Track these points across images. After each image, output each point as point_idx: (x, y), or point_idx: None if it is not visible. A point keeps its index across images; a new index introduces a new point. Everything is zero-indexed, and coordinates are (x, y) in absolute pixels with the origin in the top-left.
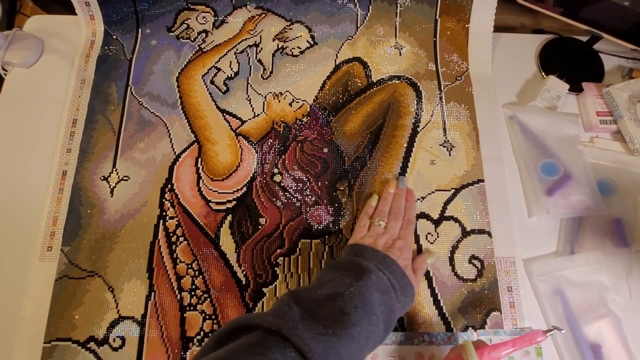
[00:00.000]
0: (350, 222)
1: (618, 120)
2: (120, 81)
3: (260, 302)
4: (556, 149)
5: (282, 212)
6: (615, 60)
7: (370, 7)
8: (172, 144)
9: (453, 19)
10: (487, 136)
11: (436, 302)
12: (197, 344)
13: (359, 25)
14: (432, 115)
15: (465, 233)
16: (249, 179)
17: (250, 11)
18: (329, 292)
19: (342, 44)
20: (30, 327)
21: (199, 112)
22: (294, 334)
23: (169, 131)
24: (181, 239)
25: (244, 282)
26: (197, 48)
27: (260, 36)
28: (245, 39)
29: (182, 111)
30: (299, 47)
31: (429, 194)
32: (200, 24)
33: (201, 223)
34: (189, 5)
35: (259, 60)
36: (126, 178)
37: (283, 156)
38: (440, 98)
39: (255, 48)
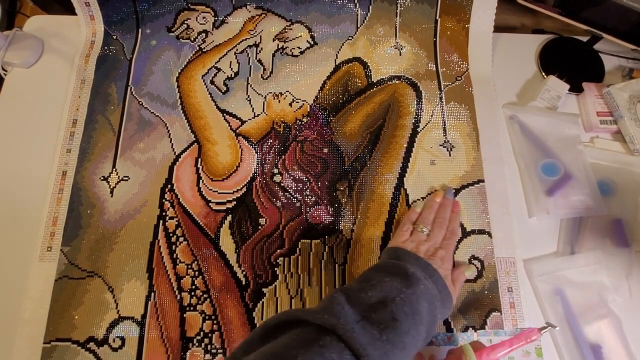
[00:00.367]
0: (350, 222)
1: (618, 121)
2: (120, 81)
3: (260, 302)
4: (556, 149)
5: (282, 212)
6: (616, 60)
7: (370, 7)
8: (172, 144)
9: (453, 19)
10: (487, 136)
11: None
12: (196, 344)
13: (359, 26)
14: (432, 116)
15: (466, 233)
16: (249, 179)
17: (250, 11)
18: (380, 295)
19: (342, 44)
20: (30, 327)
21: (199, 112)
22: (351, 336)
23: (169, 131)
24: (181, 239)
25: (243, 283)
26: (197, 48)
27: (260, 36)
28: (245, 39)
29: (182, 111)
30: (299, 47)
31: (429, 194)
32: (200, 24)
33: (201, 223)
34: (189, 5)
35: (259, 61)
36: (126, 178)
37: (283, 156)
38: (441, 98)
39: (255, 48)
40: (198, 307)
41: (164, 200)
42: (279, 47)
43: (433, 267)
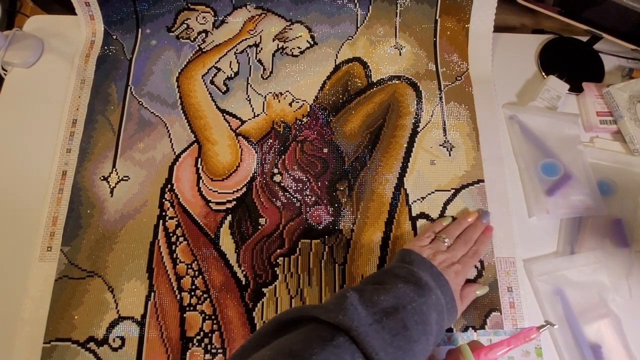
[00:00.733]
0: (350, 222)
1: (618, 120)
2: (120, 81)
3: (260, 302)
4: (556, 149)
5: (282, 212)
6: (615, 60)
7: (370, 7)
8: (172, 144)
9: (453, 19)
10: (487, 136)
11: None
12: (196, 344)
13: (359, 26)
14: (432, 116)
15: None
16: (249, 179)
17: (250, 11)
18: (393, 301)
19: (342, 44)
20: (30, 327)
21: (199, 112)
22: (364, 339)
23: (168, 131)
24: (181, 239)
25: (243, 282)
26: (197, 48)
27: (260, 36)
28: (245, 39)
29: (182, 111)
30: (299, 47)
31: (429, 194)
32: (200, 24)
33: (201, 223)
34: (189, 5)
35: (259, 60)
36: (126, 178)
37: (283, 156)
38: (440, 98)
39: (255, 48)
40: (198, 307)
41: (164, 200)
42: (279, 47)
43: (445, 278)
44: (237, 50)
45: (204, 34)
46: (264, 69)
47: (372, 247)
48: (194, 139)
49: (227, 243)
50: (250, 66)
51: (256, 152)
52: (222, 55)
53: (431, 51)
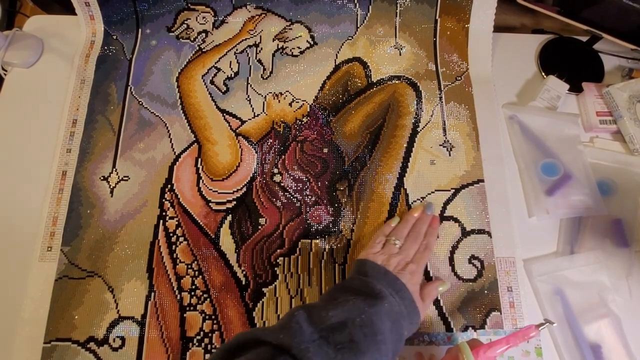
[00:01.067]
0: (350, 222)
1: (618, 120)
2: (120, 81)
3: (260, 302)
4: (556, 149)
5: (282, 212)
6: (615, 60)
7: (370, 7)
8: (172, 144)
9: (453, 19)
10: (487, 136)
11: (436, 302)
12: (197, 344)
13: (358, 26)
14: (432, 116)
15: (465, 233)
16: (249, 179)
17: (250, 11)
18: (342, 316)
19: (342, 44)
20: (30, 327)
21: (199, 112)
22: (304, 355)
23: (168, 131)
24: (181, 239)
25: (243, 282)
26: (197, 48)
27: (260, 36)
28: (245, 39)
29: (182, 111)
30: (299, 47)
31: (429, 194)
32: (200, 24)
33: (201, 223)
34: (189, 5)
35: (259, 60)
36: (126, 178)
37: (283, 156)
38: (440, 98)
39: (255, 48)
40: (198, 307)
41: (164, 200)
42: (279, 47)
43: (401, 282)
44: (237, 50)
45: (204, 34)
46: (264, 69)
47: None
48: (194, 139)
49: (227, 243)
50: (250, 66)
51: (256, 152)
52: (222, 55)
53: (431, 51)
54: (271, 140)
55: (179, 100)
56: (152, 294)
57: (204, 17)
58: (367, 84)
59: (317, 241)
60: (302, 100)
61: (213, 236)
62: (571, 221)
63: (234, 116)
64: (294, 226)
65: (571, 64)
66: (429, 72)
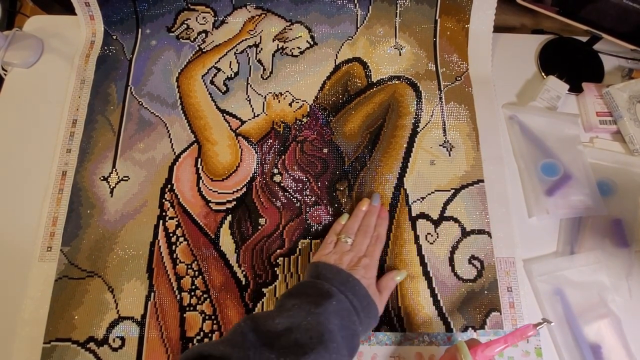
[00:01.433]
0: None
1: (618, 121)
2: (120, 81)
3: (260, 302)
4: (556, 149)
5: (282, 212)
6: (615, 61)
7: (370, 7)
8: (172, 144)
9: (453, 19)
10: (487, 136)
11: (436, 302)
12: (196, 344)
13: (358, 26)
14: (432, 116)
15: (465, 233)
16: (249, 179)
17: (250, 11)
18: (287, 322)
19: (342, 44)
20: (30, 327)
21: (198, 113)
22: None
23: (168, 131)
24: (181, 239)
25: (243, 283)
26: (197, 48)
27: (260, 36)
28: (245, 39)
29: (182, 111)
30: (298, 48)
31: (429, 194)
32: (200, 24)
33: (201, 223)
34: (189, 5)
35: (259, 61)
36: (126, 178)
37: (283, 156)
38: (440, 98)
39: (255, 48)
40: (198, 307)
41: (164, 200)
42: (279, 47)
43: (355, 278)
44: (237, 50)
45: (204, 34)
46: (264, 69)
47: None
48: (194, 139)
49: (227, 243)
50: (250, 66)
51: (256, 152)
52: (222, 55)
53: (431, 51)
54: (271, 141)
55: (179, 100)
56: (152, 294)
57: (204, 17)
58: (367, 84)
59: (317, 241)
60: (302, 101)
61: (213, 236)
62: (571, 221)
63: (234, 116)
64: (293, 226)
65: (571, 64)
66: (429, 72)
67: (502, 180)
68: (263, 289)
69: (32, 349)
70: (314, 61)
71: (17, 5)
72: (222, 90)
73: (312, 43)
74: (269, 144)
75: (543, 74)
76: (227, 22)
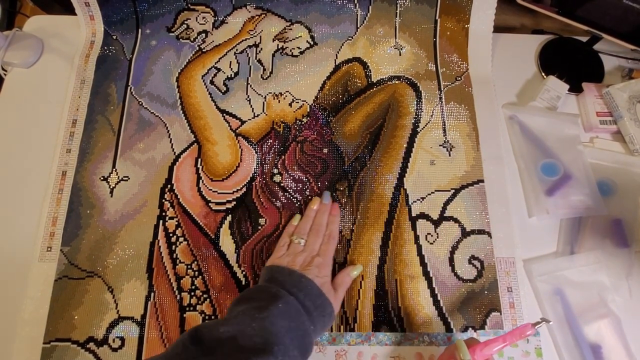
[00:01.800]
0: (350, 222)
1: (618, 121)
2: (120, 81)
3: None
4: (556, 149)
5: (282, 212)
6: (615, 61)
7: (370, 7)
8: (172, 144)
9: (453, 19)
10: (487, 136)
11: (436, 302)
12: None
13: (358, 26)
14: (432, 116)
15: (465, 233)
16: (249, 179)
17: (250, 11)
18: (232, 330)
19: (342, 44)
20: (30, 327)
21: (198, 113)
22: None
23: (168, 131)
24: (181, 239)
25: (243, 283)
26: (197, 48)
27: (260, 36)
28: (245, 39)
29: (181, 111)
30: (298, 48)
31: (429, 194)
32: (200, 24)
33: (201, 223)
34: (189, 5)
35: (259, 61)
36: (126, 178)
37: (283, 156)
38: (440, 98)
39: (255, 48)
40: (198, 307)
41: (163, 201)
42: (279, 47)
43: (308, 278)
44: (237, 50)
45: (203, 34)
46: (264, 69)
47: (372, 247)
48: (194, 139)
49: (227, 243)
50: (250, 66)
51: (256, 153)
52: (222, 55)
53: (431, 51)
54: (271, 141)
55: (179, 100)
56: (152, 294)
57: (204, 17)
58: (367, 84)
59: None
60: (302, 101)
61: (213, 236)
62: (571, 221)
63: (234, 116)
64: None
65: (571, 64)
66: (429, 73)
67: (502, 180)
68: None
69: (32, 349)
70: (314, 61)
71: (17, 5)
72: (222, 90)
73: (312, 43)
74: (269, 144)
75: (543, 74)
76: (227, 22)
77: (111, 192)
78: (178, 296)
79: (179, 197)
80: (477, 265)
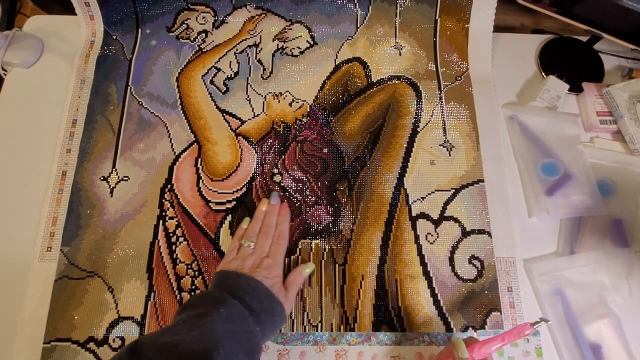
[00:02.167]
0: (350, 222)
1: (618, 120)
2: (120, 81)
3: None
4: (556, 149)
5: None
6: (615, 60)
7: (370, 7)
8: (172, 144)
9: (453, 19)
10: (487, 136)
11: (436, 302)
12: None
13: (358, 26)
14: (432, 116)
15: (465, 233)
16: (249, 179)
17: (250, 11)
18: (171, 339)
19: (342, 44)
20: (30, 327)
21: (198, 112)
22: None
23: (168, 131)
24: (181, 239)
25: None
26: (197, 48)
27: (260, 36)
28: (245, 39)
29: (181, 111)
30: (298, 47)
31: (429, 194)
32: (200, 24)
33: (201, 223)
34: (189, 5)
35: (259, 61)
36: (126, 178)
37: (283, 156)
38: (440, 98)
39: (255, 48)
40: None
41: (163, 200)
42: (279, 47)
43: (256, 280)
44: (237, 50)
45: (203, 34)
46: (264, 69)
47: (372, 247)
48: (194, 139)
49: (227, 243)
50: (250, 66)
51: (256, 152)
52: (222, 55)
53: (431, 51)
54: (271, 140)
55: (179, 100)
56: (152, 294)
57: (203, 17)
58: (367, 84)
59: (317, 241)
60: (302, 100)
61: (213, 236)
62: (571, 221)
63: (234, 116)
64: (294, 226)
65: (571, 64)
66: (429, 72)
67: (502, 180)
68: None
69: (32, 349)
70: (314, 61)
71: (17, 5)
72: (222, 90)
73: (312, 43)
74: (269, 143)
75: (543, 73)
76: (227, 22)
77: (111, 192)
78: (178, 296)
79: (179, 197)
80: (477, 265)
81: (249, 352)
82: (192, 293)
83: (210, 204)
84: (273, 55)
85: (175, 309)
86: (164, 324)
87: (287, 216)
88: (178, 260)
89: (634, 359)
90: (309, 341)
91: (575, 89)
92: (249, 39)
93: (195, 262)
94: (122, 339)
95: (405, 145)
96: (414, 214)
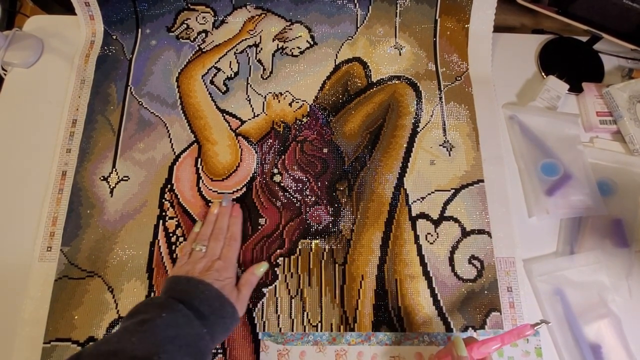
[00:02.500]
0: (350, 222)
1: (618, 121)
2: (120, 81)
3: (260, 302)
4: (556, 149)
5: (282, 212)
6: (615, 61)
7: (370, 7)
8: (172, 144)
9: (453, 19)
10: (487, 136)
11: (436, 302)
12: None
13: (358, 26)
14: (432, 116)
15: (465, 233)
16: (249, 179)
17: (250, 11)
18: (112, 347)
19: (342, 44)
20: (30, 327)
21: (198, 112)
22: None
23: (168, 131)
24: (181, 239)
25: None
26: (197, 48)
27: (260, 36)
28: (245, 39)
29: (181, 111)
30: (298, 47)
31: (429, 194)
32: (200, 24)
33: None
34: (189, 5)
35: (259, 61)
36: (126, 178)
37: (283, 156)
38: (440, 98)
39: (255, 48)
40: None
41: (163, 200)
42: (279, 47)
43: (206, 283)
44: (237, 50)
45: (203, 34)
46: (264, 69)
47: (372, 247)
48: (194, 139)
49: None
50: (250, 66)
51: (256, 152)
52: (222, 55)
53: (431, 51)
54: (271, 140)
55: (179, 100)
56: (152, 294)
57: (203, 17)
58: (367, 84)
59: (317, 241)
60: (302, 100)
61: None
62: (571, 221)
63: (234, 116)
64: (294, 226)
65: (571, 64)
66: (429, 72)
67: (502, 180)
68: (263, 289)
69: (32, 349)
70: (314, 61)
71: (17, 5)
72: (222, 90)
73: (312, 43)
74: (269, 143)
75: (543, 73)
76: (227, 22)
77: (111, 192)
78: None
79: (179, 197)
80: (477, 265)
81: (195, 354)
82: None
83: (210, 204)
84: (273, 55)
85: None
86: None
87: (239, 218)
88: None
89: (634, 359)
90: (308, 341)
91: (575, 89)
92: (249, 39)
93: None
94: None
95: (405, 145)
96: (413, 214)
